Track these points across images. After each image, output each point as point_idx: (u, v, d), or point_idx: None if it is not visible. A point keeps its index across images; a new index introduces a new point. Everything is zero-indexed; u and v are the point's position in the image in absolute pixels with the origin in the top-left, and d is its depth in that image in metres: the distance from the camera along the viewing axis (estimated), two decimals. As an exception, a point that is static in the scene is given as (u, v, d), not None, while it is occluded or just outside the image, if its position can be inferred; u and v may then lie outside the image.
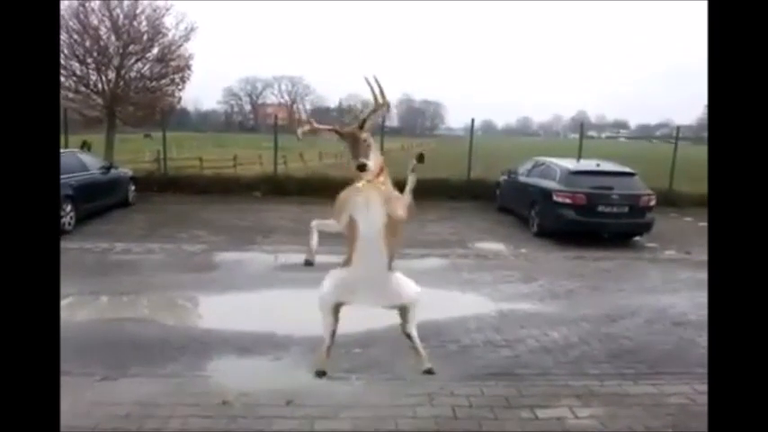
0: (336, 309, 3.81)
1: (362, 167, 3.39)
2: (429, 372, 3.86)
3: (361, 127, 3.52)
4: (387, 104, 3.62)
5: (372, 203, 3.44)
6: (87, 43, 14.93)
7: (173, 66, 16.01)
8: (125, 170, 12.84)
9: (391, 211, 3.44)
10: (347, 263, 3.72)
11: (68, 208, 8.98)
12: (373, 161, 3.47)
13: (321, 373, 3.76)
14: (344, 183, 3.69)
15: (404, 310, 3.84)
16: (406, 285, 3.80)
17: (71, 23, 14.54)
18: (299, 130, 3.77)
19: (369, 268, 3.64)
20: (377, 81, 3.54)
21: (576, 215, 9.38)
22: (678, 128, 20.74)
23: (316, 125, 3.75)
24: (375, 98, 3.58)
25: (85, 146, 14.73)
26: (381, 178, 3.51)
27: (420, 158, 3.42)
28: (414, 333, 3.88)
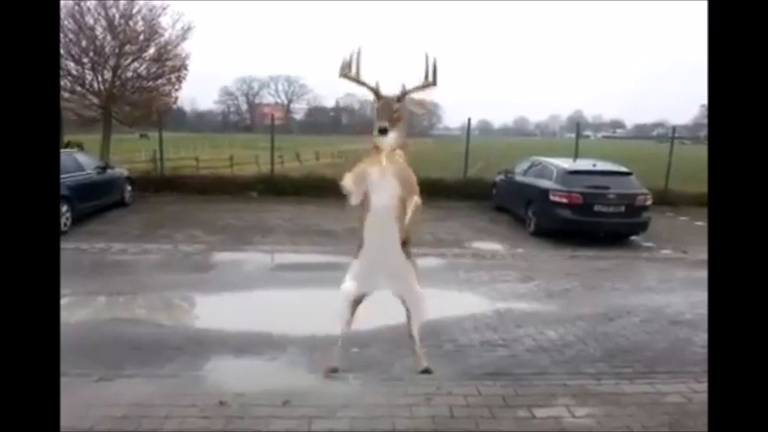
0: (356, 304, 3.77)
1: (383, 130, 3.39)
2: (426, 371, 3.86)
3: (399, 100, 3.50)
4: (434, 84, 3.52)
5: (387, 176, 3.39)
6: (83, 43, 14.90)
7: (169, 65, 16.00)
8: (121, 170, 12.80)
9: (405, 191, 3.39)
10: (360, 245, 3.68)
11: (64, 208, 8.94)
12: (396, 135, 3.46)
13: (333, 370, 3.75)
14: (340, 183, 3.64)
15: (407, 311, 3.84)
16: (413, 277, 3.76)
17: (66, 23, 14.50)
18: (343, 72, 3.62)
19: (380, 244, 3.58)
20: (435, 61, 3.47)
21: (573, 215, 9.40)
22: (674, 127, 20.89)
23: (361, 76, 3.60)
24: (426, 75, 3.50)
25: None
26: (399, 151, 3.47)
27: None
28: (415, 335, 3.87)
